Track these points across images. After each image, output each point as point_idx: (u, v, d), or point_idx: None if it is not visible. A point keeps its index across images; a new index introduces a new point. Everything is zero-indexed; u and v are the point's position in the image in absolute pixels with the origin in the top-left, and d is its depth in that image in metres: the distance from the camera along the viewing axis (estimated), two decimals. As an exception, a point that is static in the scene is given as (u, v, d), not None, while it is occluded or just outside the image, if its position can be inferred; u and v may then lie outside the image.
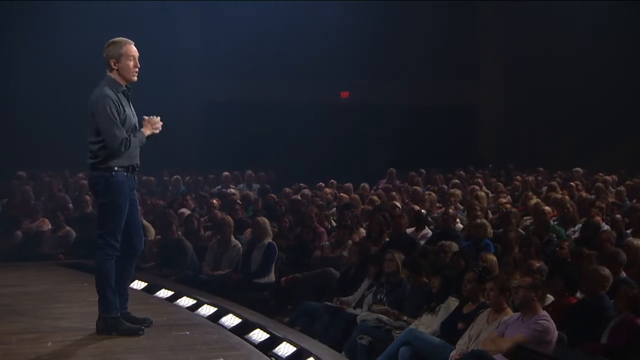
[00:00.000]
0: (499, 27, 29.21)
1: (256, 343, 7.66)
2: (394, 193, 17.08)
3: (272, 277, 12.55)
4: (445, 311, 9.41)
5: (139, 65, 7.55)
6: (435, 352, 8.92)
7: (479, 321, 8.78)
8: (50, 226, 15.09)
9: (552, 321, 8.20)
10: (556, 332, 8.23)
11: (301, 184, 19.20)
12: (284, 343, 7.45)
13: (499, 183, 19.73)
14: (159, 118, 7.70)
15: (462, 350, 8.62)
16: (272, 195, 17.14)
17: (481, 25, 29.35)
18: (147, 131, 7.59)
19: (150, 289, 10.07)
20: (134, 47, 7.52)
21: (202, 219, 14.94)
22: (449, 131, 28.09)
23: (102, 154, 7.34)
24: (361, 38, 27.46)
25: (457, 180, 19.75)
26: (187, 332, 7.62)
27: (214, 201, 15.75)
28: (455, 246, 11.10)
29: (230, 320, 8.36)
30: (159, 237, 13.99)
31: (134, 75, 7.52)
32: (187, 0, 26.75)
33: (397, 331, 9.54)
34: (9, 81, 23.67)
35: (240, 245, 12.97)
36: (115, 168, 7.37)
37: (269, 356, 7.35)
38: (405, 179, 21.17)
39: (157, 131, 7.69)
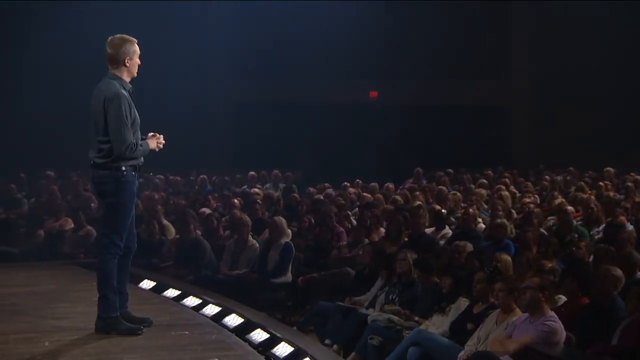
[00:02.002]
0: (530, 27, 28.92)
1: (256, 343, 7.65)
2: (418, 193, 16.95)
3: (288, 276, 12.49)
4: (456, 311, 9.32)
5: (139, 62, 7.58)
6: (444, 352, 8.82)
7: (488, 322, 8.68)
8: (72, 225, 15.14)
9: (559, 322, 8.08)
10: (564, 333, 8.10)
11: (326, 184, 19.13)
12: (283, 343, 7.40)
13: (527, 183, 19.54)
14: (162, 137, 7.69)
15: (471, 351, 8.50)
16: (295, 194, 17.08)
17: (513, 25, 29.09)
18: (152, 144, 7.60)
19: (159, 289, 10.02)
20: None
21: (223, 219, 14.90)
22: (481, 131, 27.91)
23: (114, 153, 7.30)
24: (390, 38, 27.35)
25: (485, 180, 19.58)
26: (187, 332, 7.60)
27: (235, 201, 15.72)
28: (469, 246, 10.97)
29: (233, 320, 8.35)
30: (177, 236, 13.96)
31: (136, 72, 7.53)
32: (218, 0, 26.72)
33: (407, 331, 9.45)
34: (39, 82, 23.81)
35: (257, 245, 12.92)
36: (124, 168, 7.34)
37: (267, 356, 7.32)
38: (434, 179, 21.03)
39: (158, 149, 7.69)
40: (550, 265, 9.54)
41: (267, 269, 12.48)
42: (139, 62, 7.50)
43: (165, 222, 14.66)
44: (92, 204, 16.51)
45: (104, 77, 7.45)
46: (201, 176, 21.01)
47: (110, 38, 7.43)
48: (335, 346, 10.16)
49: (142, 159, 7.52)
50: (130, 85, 7.49)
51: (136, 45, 7.47)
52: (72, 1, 23.65)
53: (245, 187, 19.95)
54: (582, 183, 17.96)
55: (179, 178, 20.97)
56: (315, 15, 25.99)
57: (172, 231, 14.40)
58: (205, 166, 23.37)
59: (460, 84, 28.26)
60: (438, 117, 27.86)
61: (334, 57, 27.16)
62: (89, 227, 14.90)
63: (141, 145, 7.43)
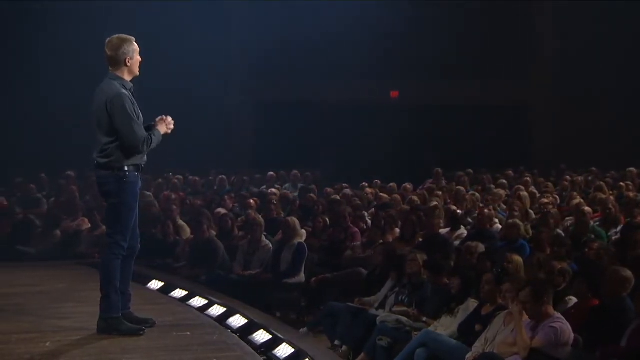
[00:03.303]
0: (552, 26, 28.73)
1: (258, 344, 7.61)
2: (437, 193, 16.85)
3: (301, 277, 12.47)
4: (464, 313, 9.25)
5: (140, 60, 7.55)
6: (451, 354, 8.76)
7: (496, 323, 8.61)
8: (89, 225, 15.19)
9: (567, 324, 8.00)
10: (572, 335, 8.01)
11: (344, 184, 19.08)
12: (284, 344, 7.36)
13: (548, 183, 19.39)
14: (169, 118, 7.65)
15: (478, 352, 8.44)
16: (312, 195, 17.02)
17: (533, 24, 28.91)
18: (162, 129, 7.57)
19: (166, 289, 10.01)
20: None
21: (239, 219, 14.88)
22: (503, 131, 27.74)
23: (117, 153, 7.30)
24: (411, 38, 27.25)
25: (504, 181, 19.44)
26: (188, 333, 7.58)
27: (251, 201, 15.70)
28: (481, 247, 10.87)
29: (237, 320, 8.33)
30: (191, 236, 13.96)
31: (138, 70, 7.52)
32: (239, 0, 26.73)
33: (416, 332, 9.40)
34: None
35: (270, 246, 12.90)
36: (127, 168, 7.32)
37: (269, 357, 7.29)
38: (454, 179, 20.92)
39: (170, 131, 7.66)
40: (560, 266, 9.40)
41: (280, 269, 12.47)
42: (140, 59, 7.47)
43: (180, 222, 14.68)
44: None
45: (105, 78, 7.42)
46: (220, 176, 21.02)
47: (108, 39, 7.40)
48: (344, 347, 10.12)
49: (145, 158, 7.50)
50: (132, 85, 7.47)
51: (135, 43, 7.44)
52: (99, 1, 23.72)
53: (264, 187, 19.94)
54: (602, 183, 17.77)
55: (197, 178, 20.98)
56: (336, 14, 25.90)
57: (187, 231, 14.40)
58: (224, 166, 23.37)
59: (482, 84, 28.10)
60: (460, 117, 27.74)
61: (355, 56, 27.08)
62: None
63: (154, 135, 7.42)
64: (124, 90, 7.28)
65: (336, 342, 10.25)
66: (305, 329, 10.99)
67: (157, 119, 7.60)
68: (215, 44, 25.71)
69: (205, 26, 25.40)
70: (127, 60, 7.36)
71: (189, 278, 12.40)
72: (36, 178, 20.22)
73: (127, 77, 7.44)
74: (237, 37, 27.67)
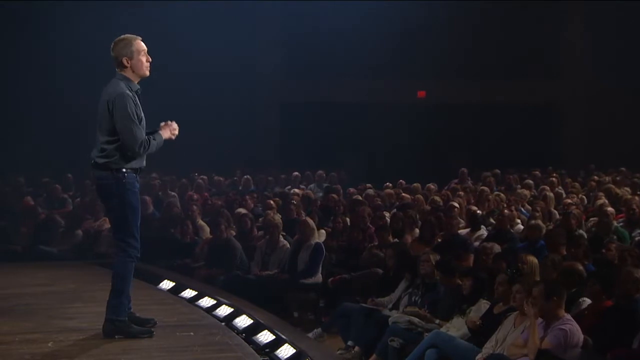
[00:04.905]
0: (584, 24, 28.50)
1: (262, 344, 7.58)
2: (459, 193, 16.74)
3: (319, 277, 12.45)
4: (476, 314, 9.14)
5: (150, 60, 7.45)
6: (461, 355, 8.68)
7: (506, 324, 8.53)
8: (109, 225, 15.19)
9: (576, 325, 7.90)
10: (582, 337, 7.91)
11: (367, 185, 19.00)
12: (286, 345, 7.32)
13: (575, 183, 19.22)
14: (174, 123, 7.61)
15: (488, 353, 8.35)
16: (334, 195, 16.95)
17: (564, 24, 28.70)
18: (165, 134, 7.52)
19: (177, 289, 10.01)
20: (142, 42, 7.43)
21: (260, 219, 14.85)
22: (532, 131, 27.53)
23: (116, 154, 7.24)
24: (439, 37, 27.12)
25: (530, 181, 19.27)
26: (192, 333, 7.57)
27: (271, 202, 15.66)
28: (497, 248, 10.76)
29: (243, 321, 8.29)
30: (210, 237, 13.95)
31: (147, 70, 7.43)
32: (266, 0, 26.71)
33: (428, 334, 9.29)
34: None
35: (288, 246, 12.87)
36: (124, 170, 7.27)
37: (272, 358, 7.24)
38: (480, 179, 20.78)
39: (174, 137, 7.60)
40: (574, 267, 9.26)
41: (297, 269, 12.43)
42: (145, 60, 7.37)
43: (200, 222, 14.70)
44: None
45: (113, 77, 7.40)
46: (245, 176, 21.01)
47: (115, 40, 7.38)
48: (356, 348, 10.06)
49: (144, 162, 7.44)
50: (138, 86, 7.40)
51: (138, 43, 7.34)
52: (128, 1, 23.78)
53: (290, 187, 19.91)
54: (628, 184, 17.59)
55: (222, 178, 20.99)
56: (362, 14, 25.84)
57: (207, 232, 14.41)
58: (250, 166, 23.38)
59: (511, 83, 27.93)
60: (488, 117, 27.55)
61: (382, 56, 27.05)
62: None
63: (154, 139, 7.35)
64: (128, 91, 7.22)
65: (349, 343, 10.20)
66: (319, 329, 10.96)
67: (162, 124, 7.56)
68: (242, 44, 25.72)
69: (232, 27, 25.41)
70: (124, 61, 7.30)
71: (206, 278, 12.42)
72: (63, 178, 20.33)
73: (133, 78, 7.37)
74: (263, 37, 27.65)
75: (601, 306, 8.66)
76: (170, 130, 7.55)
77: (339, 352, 10.06)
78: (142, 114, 7.37)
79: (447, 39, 27.33)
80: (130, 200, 7.34)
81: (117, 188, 7.26)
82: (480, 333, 8.74)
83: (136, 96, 7.34)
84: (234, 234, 13.90)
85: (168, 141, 7.61)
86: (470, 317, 8.97)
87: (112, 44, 7.36)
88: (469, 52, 27.57)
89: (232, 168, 22.94)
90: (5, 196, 18.54)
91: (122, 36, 7.40)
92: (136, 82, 7.41)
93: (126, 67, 7.31)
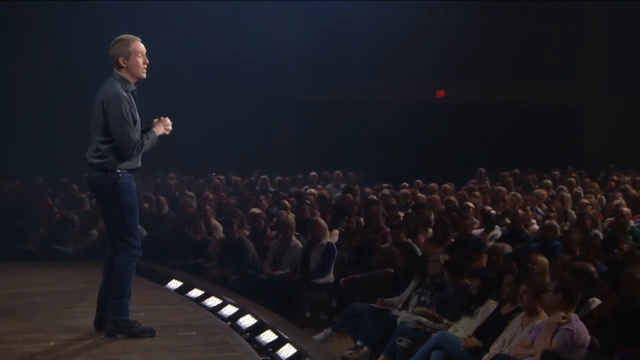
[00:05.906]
0: (605, 25, 28.30)
1: (265, 344, 7.56)
2: (475, 193, 16.65)
3: (331, 277, 12.42)
4: (484, 314, 9.07)
5: (147, 62, 7.42)
6: (467, 356, 8.58)
7: (513, 325, 8.46)
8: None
9: (583, 326, 7.81)
10: (588, 337, 7.81)
11: (383, 184, 18.95)
12: (287, 345, 7.29)
13: (594, 183, 19.08)
14: (168, 119, 7.58)
15: (495, 353, 8.28)
16: (349, 195, 16.91)
17: (585, 24, 28.52)
18: (159, 130, 7.48)
19: (184, 289, 10.00)
20: (142, 43, 7.39)
21: (274, 219, 14.83)
22: (552, 131, 27.42)
23: (111, 155, 7.22)
24: (457, 37, 27.03)
25: (549, 181, 19.15)
26: (194, 333, 7.55)
27: (286, 201, 15.64)
28: (508, 248, 10.69)
29: (247, 320, 8.27)
30: (223, 236, 13.95)
31: (143, 72, 7.40)
32: (283, 0, 26.68)
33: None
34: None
35: (300, 246, 12.84)
36: (119, 170, 7.24)
37: (273, 358, 7.21)
38: (499, 179, 20.69)
39: (168, 132, 7.57)
40: (584, 267, 9.17)
41: (309, 269, 12.39)
42: (142, 61, 7.33)
43: (214, 222, 14.70)
44: (145, 204, 16.51)
45: (109, 77, 7.37)
46: (262, 176, 20.99)
47: (114, 39, 7.37)
48: (365, 348, 10.02)
49: (139, 162, 7.40)
50: (134, 87, 7.37)
51: (136, 43, 7.31)
52: (140, 1, 23.79)
53: (307, 187, 19.88)
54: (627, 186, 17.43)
55: (239, 178, 20.98)
56: (380, 14, 25.77)
57: (220, 231, 14.40)
58: (268, 166, 23.36)
59: (532, 83, 27.78)
60: (507, 117, 27.41)
61: (401, 56, 27.01)
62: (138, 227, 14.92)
63: (147, 138, 7.31)
64: (123, 92, 7.20)
65: (358, 343, 10.16)
66: (329, 329, 10.93)
67: (155, 120, 7.53)
68: (259, 44, 25.69)
69: (248, 27, 25.38)
70: (120, 61, 7.28)
71: (219, 278, 12.41)
72: (80, 178, 20.36)
73: (129, 79, 7.34)
74: (280, 37, 27.57)
75: (610, 307, 8.58)
76: (164, 126, 7.53)
77: (348, 352, 10.05)
78: (137, 115, 7.34)
79: (468, 39, 27.21)
80: (127, 200, 7.31)
81: (112, 189, 7.23)
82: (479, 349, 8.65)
83: (132, 97, 7.31)
84: (248, 233, 13.90)
85: (167, 138, 7.58)
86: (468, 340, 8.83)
87: (111, 42, 7.34)
88: (490, 52, 27.46)
89: (249, 168, 22.92)
90: (24, 196, 18.59)
91: (122, 36, 7.37)
92: (132, 82, 7.37)
93: (123, 67, 7.29)
